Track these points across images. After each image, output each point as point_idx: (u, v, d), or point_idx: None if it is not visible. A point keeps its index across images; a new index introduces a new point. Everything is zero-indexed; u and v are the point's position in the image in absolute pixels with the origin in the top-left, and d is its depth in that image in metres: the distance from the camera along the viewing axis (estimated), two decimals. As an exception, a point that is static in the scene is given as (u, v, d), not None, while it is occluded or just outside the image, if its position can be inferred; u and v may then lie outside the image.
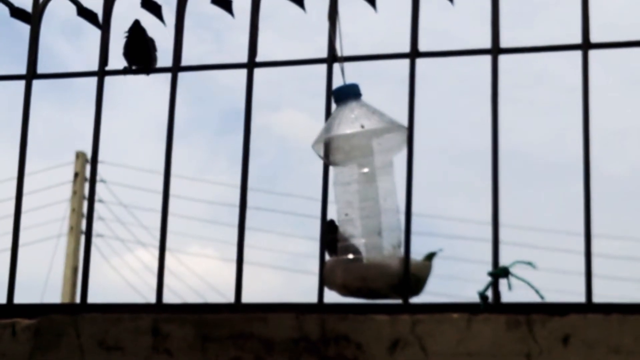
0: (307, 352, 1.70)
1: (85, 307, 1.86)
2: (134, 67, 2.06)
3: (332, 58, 1.87)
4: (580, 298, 1.69)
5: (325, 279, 1.79)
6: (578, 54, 1.78)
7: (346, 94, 1.82)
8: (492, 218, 1.75)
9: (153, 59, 2.07)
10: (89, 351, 1.79)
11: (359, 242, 1.79)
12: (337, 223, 1.82)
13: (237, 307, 1.80)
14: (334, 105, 1.85)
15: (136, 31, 2.06)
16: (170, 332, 1.77)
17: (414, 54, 1.84)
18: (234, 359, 1.73)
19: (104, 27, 2.01)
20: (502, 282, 1.73)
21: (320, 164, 1.84)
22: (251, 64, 1.91)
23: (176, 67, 1.95)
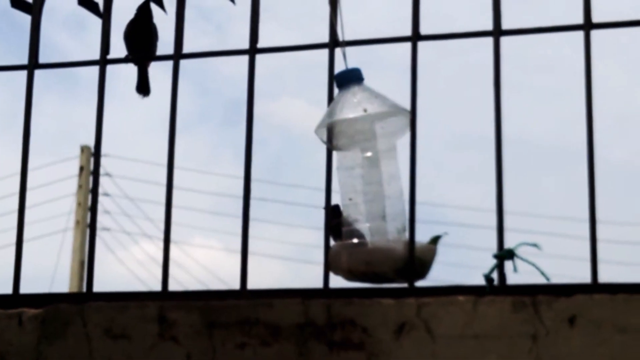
0: (314, 337, 1.71)
1: (91, 296, 1.86)
2: (131, 57, 2.06)
3: (333, 43, 1.87)
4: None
5: (330, 264, 1.79)
6: (581, 39, 1.78)
7: (348, 79, 1.82)
8: (497, 199, 1.75)
9: (154, 47, 2.07)
10: (95, 339, 1.79)
11: (364, 226, 1.78)
12: (341, 208, 1.82)
13: (243, 294, 1.80)
14: (336, 91, 1.85)
15: (144, 13, 2.06)
16: (177, 319, 1.77)
17: (416, 37, 1.83)
18: (240, 345, 1.73)
19: (105, 16, 2.01)
20: (508, 265, 1.73)
21: (324, 152, 1.84)
22: (253, 50, 1.90)
23: (178, 55, 1.94)
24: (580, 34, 1.78)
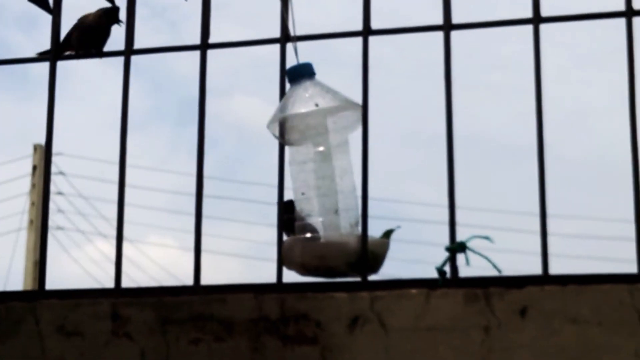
0: (267, 331, 1.71)
1: (43, 294, 1.85)
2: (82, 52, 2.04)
3: (285, 38, 1.87)
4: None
5: (283, 259, 1.79)
6: (531, 34, 1.79)
7: (300, 73, 1.82)
8: (448, 191, 1.76)
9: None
10: (48, 337, 1.78)
11: (316, 220, 1.79)
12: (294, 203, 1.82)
13: (196, 289, 1.79)
14: (288, 86, 1.85)
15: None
16: (130, 316, 1.76)
17: (367, 31, 1.84)
18: (194, 340, 1.73)
19: (55, 13, 1.99)
20: (461, 258, 1.74)
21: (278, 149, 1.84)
22: (204, 46, 1.90)
23: (129, 51, 1.94)
24: (529, 29, 1.80)
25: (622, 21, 1.78)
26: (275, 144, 1.83)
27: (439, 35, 1.82)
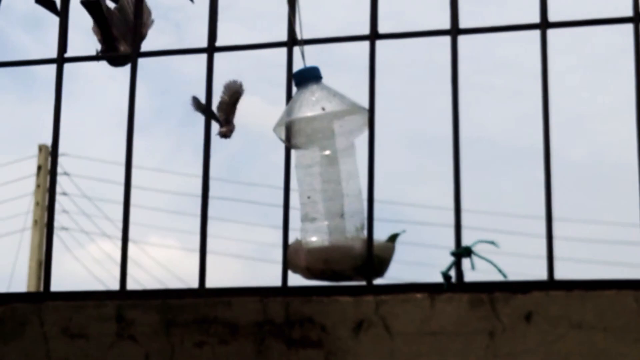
0: (272, 335, 1.71)
1: (48, 295, 1.85)
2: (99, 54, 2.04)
3: (292, 41, 1.87)
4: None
5: (288, 262, 1.79)
6: (538, 39, 1.79)
7: (306, 77, 1.82)
8: (454, 196, 1.76)
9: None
10: (53, 339, 1.78)
11: (322, 224, 1.79)
12: (299, 205, 1.82)
13: (201, 292, 1.79)
14: (294, 89, 1.85)
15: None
16: (135, 318, 1.76)
17: (374, 35, 1.84)
18: (199, 343, 1.73)
19: (62, 15, 2.00)
20: (466, 262, 1.74)
21: (283, 151, 1.84)
22: (211, 49, 1.90)
23: (136, 53, 1.94)
24: (536, 33, 1.80)
25: (627, 26, 1.78)
26: (278, 144, 1.83)
27: (445, 38, 1.82)
